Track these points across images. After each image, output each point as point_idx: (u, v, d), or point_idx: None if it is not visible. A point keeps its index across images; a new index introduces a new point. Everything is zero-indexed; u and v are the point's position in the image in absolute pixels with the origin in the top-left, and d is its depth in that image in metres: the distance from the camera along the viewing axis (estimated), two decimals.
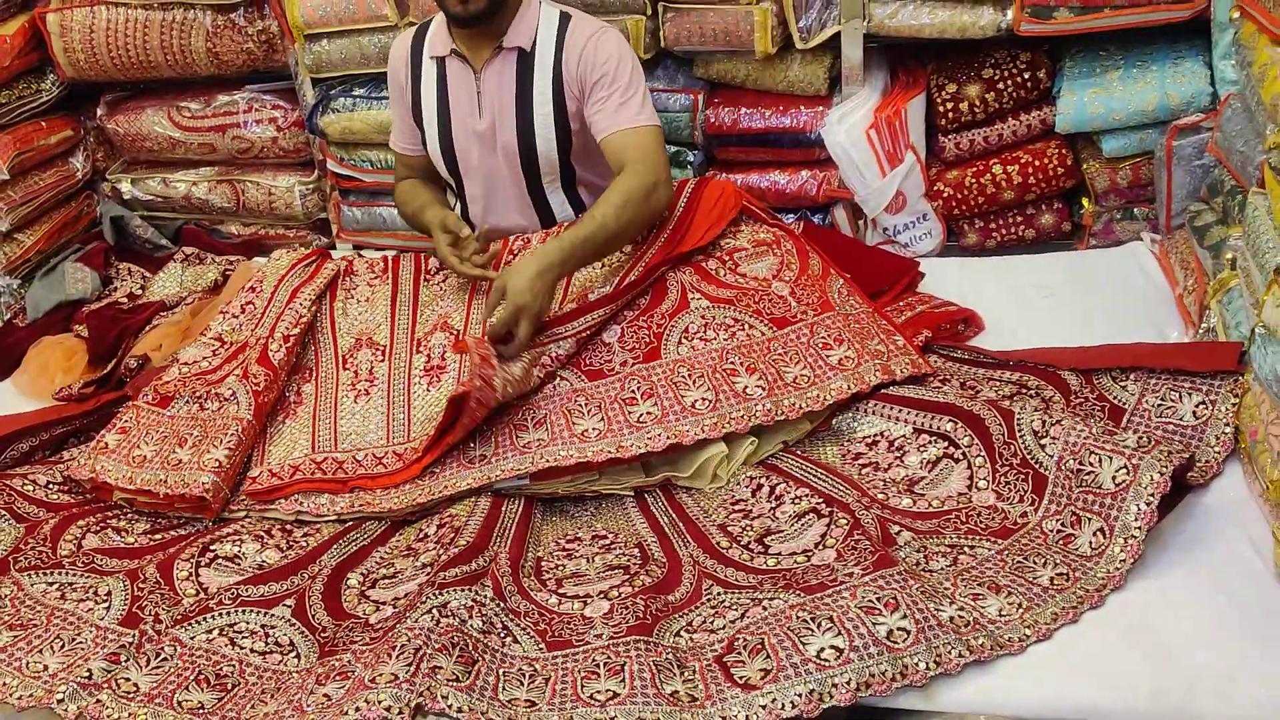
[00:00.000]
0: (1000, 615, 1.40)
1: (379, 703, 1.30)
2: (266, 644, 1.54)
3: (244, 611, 1.59)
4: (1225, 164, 2.03)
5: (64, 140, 2.84)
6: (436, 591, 1.51)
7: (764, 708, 1.31)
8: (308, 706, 1.36)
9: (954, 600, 1.42)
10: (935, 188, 2.54)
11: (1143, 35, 2.37)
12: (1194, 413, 1.69)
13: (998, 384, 1.88)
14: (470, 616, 1.47)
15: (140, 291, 2.65)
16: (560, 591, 1.60)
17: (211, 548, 1.76)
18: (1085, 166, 2.48)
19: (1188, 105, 2.28)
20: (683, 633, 1.47)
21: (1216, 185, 2.12)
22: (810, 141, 2.54)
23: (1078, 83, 2.40)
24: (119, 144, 2.93)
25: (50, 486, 1.98)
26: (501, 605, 1.52)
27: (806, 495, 1.72)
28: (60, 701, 1.43)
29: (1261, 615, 1.39)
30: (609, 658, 1.41)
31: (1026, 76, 2.43)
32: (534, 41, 2.10)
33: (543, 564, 1.68)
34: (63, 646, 1.54)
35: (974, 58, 2.47)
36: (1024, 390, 1.84)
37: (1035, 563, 1.49)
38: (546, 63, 2.10)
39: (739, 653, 1.40)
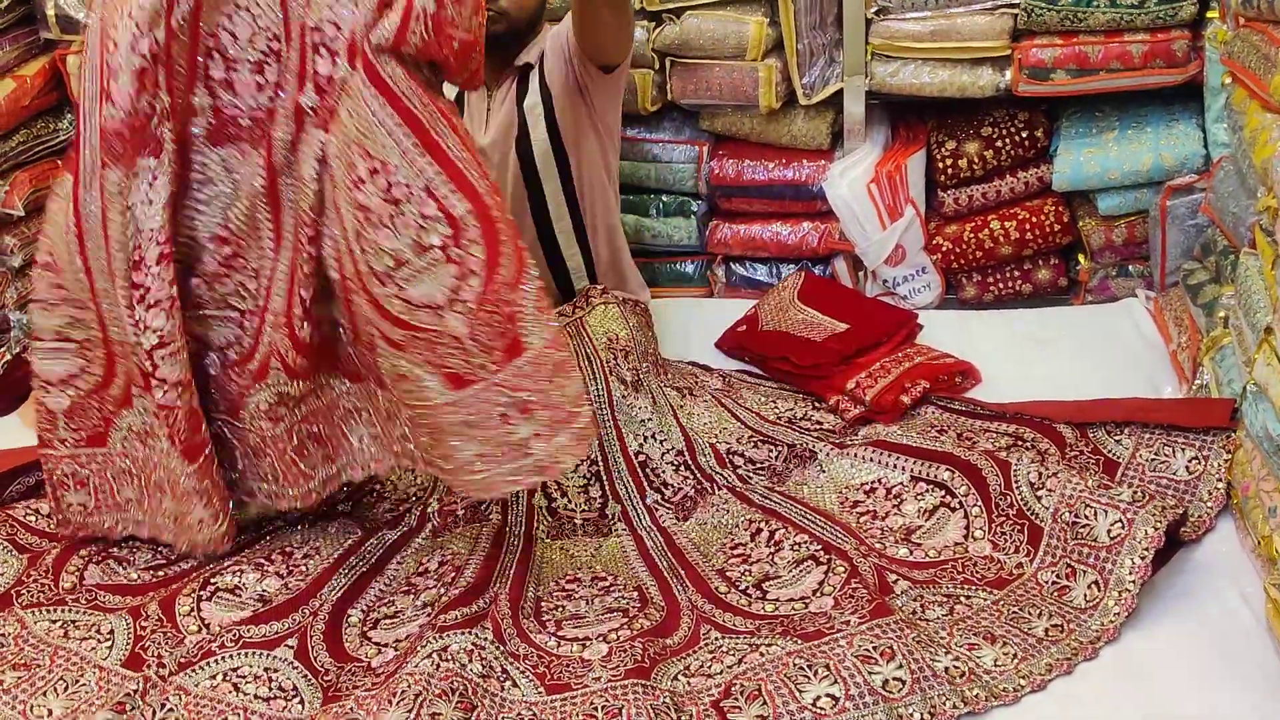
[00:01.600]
0: (995, 665, 1.42)
1: None
2: (270, 689, 1.53)
3: (247, 654, 1.58)
4: (1218, 224, 2.08)
5: None
6: (437, 635, 1.51)
7: None
8: None
9: (949, 650, 1.44)
10: (934, 241, 2.58)
11: (1138, 97, 2.42)
12: (1187, 468, 1.72)
13: (994, 435, 1.90)
14: (470, 660, 1.47)
15: None
16: (559, 634, 1.59)
17: (212, 580, 1.75)
18: (1081, 224, 2.52)
19: (1181, 166, 2.33)
20: (680, 676, 1.48)
21: (1210, 245, 2.17)
22: (812, 194, 2.58)
23: (1074, 142, 2.45)
24: None
25: (53, 517, 1.97)
26: (501, 649, 1.52)
27: (806, 541, 1.73)
28: None
29: (1252, 668, 1.41)
30: (607, 701, 1.42)
31: (1024, 135, 2.48)
32: (541, 57, 2.24)
33: (542, 604, 1.68)
34: (66, 689, 1.53)
35: (973, 116, 2.52)
36: (1020, 442, 1.86)
37: (1030, 613, 1.51)
38: (538, 71, 2.23)
39: (736, 698, 1.41)
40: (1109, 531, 1.55)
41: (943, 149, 2.53)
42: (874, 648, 1.44)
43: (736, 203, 2.68)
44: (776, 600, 1.63)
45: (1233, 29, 2.00)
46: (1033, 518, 1.65)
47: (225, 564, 1.79)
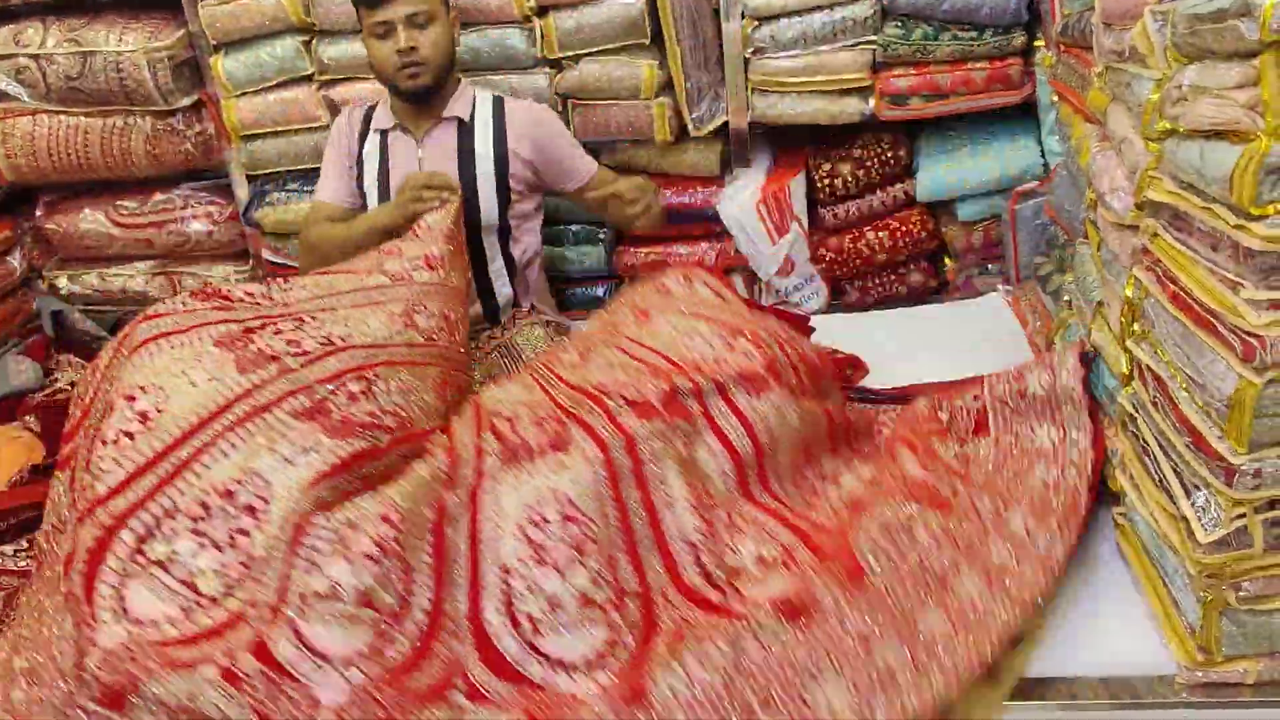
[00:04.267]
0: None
1: None
2: None
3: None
4: (1058, 222, 2.35)
5: (2, 241, 2.94)
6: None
7: None
8: None
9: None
10: (819, 253, 2.77)
11: (984, 117, 2.67)
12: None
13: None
14: None
15: None
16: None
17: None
18: (945, 230, 2.75)
19: (1024, 174, 2.58)
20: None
21: (1053, 240, 2.44)
22: (708, 216, 2.77)
23: (933, 158, 2.69)
24: (56, 242, 3.03)
25: (18, 555, 2.00)
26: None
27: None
28: None
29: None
30: None
31: (890, 155, 2.70)
32: (471, 113, 2.40)
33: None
34: None
35: (844, 140, 2.72)
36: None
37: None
38: (487, 131, 2.39)
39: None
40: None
41: (820, 170, 2.74)
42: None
43: None
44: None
45: (1056, 54, 2.25)
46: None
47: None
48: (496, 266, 2.46)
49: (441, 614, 1.44)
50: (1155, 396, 1.56)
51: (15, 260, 2.99)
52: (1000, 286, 2.67)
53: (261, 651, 1.34)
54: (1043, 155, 2.60)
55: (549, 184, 2.49)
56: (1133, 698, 1.54)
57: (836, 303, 2.87)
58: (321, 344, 1.71)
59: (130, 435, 1.51)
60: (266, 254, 2.96)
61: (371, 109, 2.49)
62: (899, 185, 2.75)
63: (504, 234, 2.45)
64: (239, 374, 1.60)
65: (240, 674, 1.32)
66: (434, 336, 1.90)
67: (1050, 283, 2.36)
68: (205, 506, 1.46)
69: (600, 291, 2.93)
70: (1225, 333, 1.33)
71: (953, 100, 2.61)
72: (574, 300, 2.93)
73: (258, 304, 1.82)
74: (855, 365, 2.39)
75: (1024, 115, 2.67)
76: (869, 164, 2.73)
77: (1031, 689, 1.55)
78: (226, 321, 1.70)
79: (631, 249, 2.89)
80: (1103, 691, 1.55)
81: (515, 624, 1.45)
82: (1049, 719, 1.55)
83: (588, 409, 1.66)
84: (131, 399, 1.56)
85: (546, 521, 1.51)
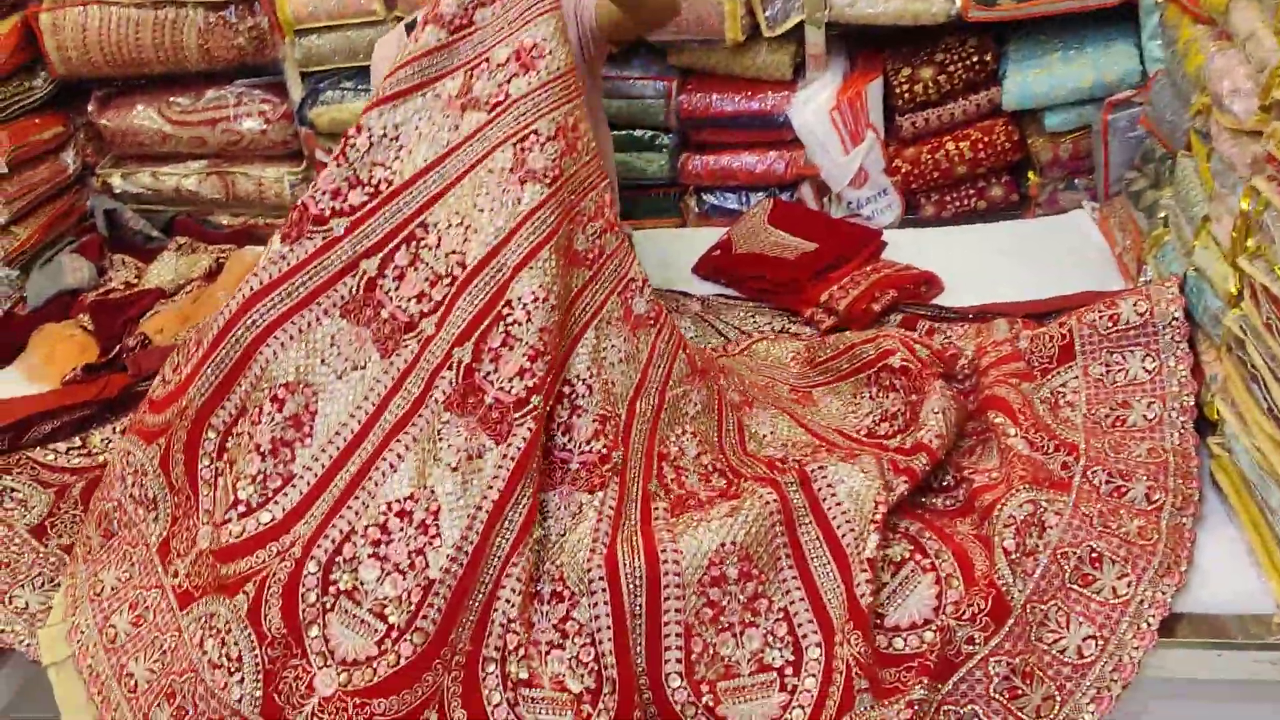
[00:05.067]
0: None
1: None
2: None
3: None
4: (1155, 134, 2.22)
5: (56, 136, 2.90)
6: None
7: None
8: None
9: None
10: (894, 164, 2.68)
11: (1078, 20, 2.53)
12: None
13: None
14: None
15: (136, 280, 2.73)
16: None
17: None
18: (1030, 141, 2.63)
19: (1120, 82, 2.44)
20: None
21: (1149, 153, 2.30)
22: (778, 123, 2.67)
23: (1021, 64, 2.55)
24: (109, 139, 3.00)
25: (70, 453, 2.02)
26: None
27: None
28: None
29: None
30: None
31: (975, 60, 2.58)
32: None
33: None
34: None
35: (927, 43, 2.61)
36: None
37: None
38: None
39: None
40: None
41: (899, 75, 2.62)
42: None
43: (706, 135, 2.76)
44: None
45: None
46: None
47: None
48: None
49: (629, 675, 1.40)
50: (1269, 318, 1.45)
51: (69, 157, 2.96)
52: (1086, 203, 2.57)
53: (474, 706, 1.36)
54: (1142, 61, 2.46)
55: (588, 37, 2.18)
56: (1224, 637, 1.45)
57: (911, 217, 2.77)
58: (448, 279, 1.56)
59: (289, 445, 1.50)
60: (320, 155, 2.89)
61: (410, 26, 2.33)
62: (983, 93, 2.63)
63: None
64: (382, 359, 1.54)
65: None
66: (556, 174, 1.59)
67: (1143, 199, 2.23)
68: (383, 528, 1.44)
69: (664, 200, 2.84)
70: None
71: (1046, 1, 2.46)
72: (635, 209, 2.83)
73: (353, 211, 1.61)
74: (930, 282, 2.32)
75: (1123, 18, 2.52)
76: (952, 69, 2.60)
77: None
78: (341, 276, 1.58)
79: (696, 156, 2.79)
80: (1189, 630, 1.47)
81: (695, 691, 1.40)
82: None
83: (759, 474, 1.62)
84: (279, 401, 1.52)
85: (726, 581, 1.45)
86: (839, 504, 1.52)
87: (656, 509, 1.54)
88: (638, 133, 2.78)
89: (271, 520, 1.48)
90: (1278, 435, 1.41)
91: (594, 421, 1.58)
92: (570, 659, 1.40)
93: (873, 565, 1.46)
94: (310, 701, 1.35)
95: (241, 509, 1.49)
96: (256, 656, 1.37)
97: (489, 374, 1.51)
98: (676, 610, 1.41)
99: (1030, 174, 2.69)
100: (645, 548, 1.45)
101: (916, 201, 2.76)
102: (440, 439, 1.49)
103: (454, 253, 1.56)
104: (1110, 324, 1.79)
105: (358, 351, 1.54)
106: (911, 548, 1.52)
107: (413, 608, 1.39)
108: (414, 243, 1.58)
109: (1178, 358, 1.72)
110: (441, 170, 1.58)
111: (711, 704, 1.38)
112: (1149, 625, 1.42)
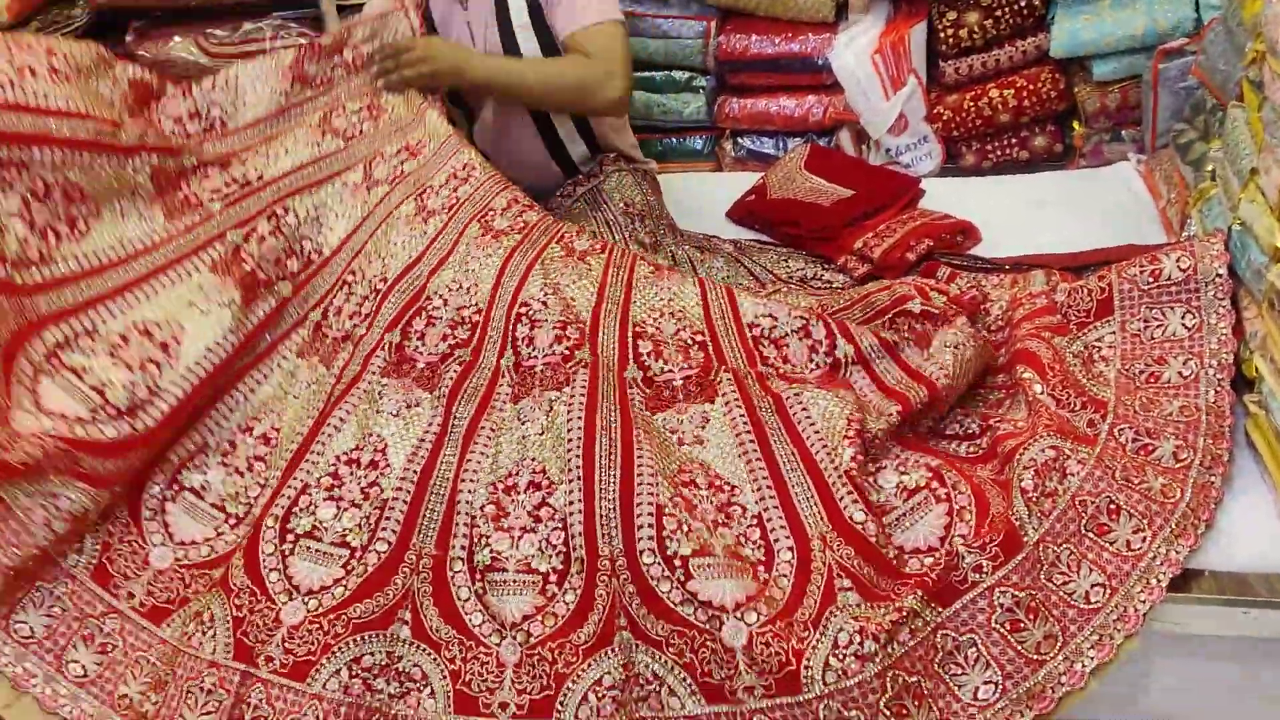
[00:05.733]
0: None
1: None
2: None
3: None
4: (1207, 84, 2.16)
5: None
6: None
7: None
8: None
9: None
10: (935, 111, 2.66)
11: None
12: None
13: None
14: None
15: None
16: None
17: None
18: (1076, 90, 2.60)
19: (1174, 30, 2.40)
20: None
21: (1199, 105, 2.25)
22: (818, 67, 2.66)
23: (1071, 9, 2.52)
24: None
25: None
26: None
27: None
28: None
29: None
30: None
31: (1023, 4, 2.55)
32: None
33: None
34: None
35: None
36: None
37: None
38: None
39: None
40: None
41: (944, 19, 2.59)
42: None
43: (744, 77, 2.75)
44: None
45: None
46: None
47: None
48: (567, 129, 2.29)
49: (595, 553, 1.45)
50: None
51: None
52: (1132, 155, 2.53)
53: (444, 601, 1.44)
54: (1196, 9, 2.42)
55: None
56: (1251, 595, 1.45)
57: (951, 165, 2.76)
58: (374, 295, 1.82)
59: (261, 459, 1.66)
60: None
61: None
62: (1030, 39, 2.60)
63: None
64: (327, 370, 1.74)
65: (429, 628, 1.42)
66: (454, 203, 1.92)
67: (1191, 151, 2.19)
68: (335, 475, 1.57)
69: (699, 144, 2.82)
70: None
71: None
72: (669, 152, 2.82)
73: (294, 275, 1.85)
74: (967, 232, 2.29)
75: None
76: (999, 13, 2.57)
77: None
78: (295, 328, 1.80)
79: (734, 100, 2.78)
80: (1214, 586, 1.46)
81: (669, 566, 1.43)
82: (1157, 613, 1.46)
83: (740, 359, 1.70)
84: (250, 430, 1.69)
85: (695, 485, 1.52)
86: (811, 423, 1.56)
87: (634, 398, 1.62)
88: (675, 74, 2.77)
89: (249, 515, 1.60)
90: None
91: (553, 329, 1.71)
92: (541, 541, 1.47)
93: (852, 479, 1.49)
94: (278, 632, 1.41)
95: (233, 521, 1.61)
96: (226, 612, 1.44)
97: (418, 347, 1.72)
98: (650, 495, 1.47)
99: (1075, 124, 2.66)
100: (623, 439, 1.53)
101: (957, 150, 2.74)
102: (380, 398, 1.66)
103: (376, 277, 1.83)
104: (1151, 279, 1.76)
105: (309, 372, 1.75)
106: (930, 476, 1.52)
107: (372, 526, 1.50)
108: (347, 287, 1.84)
109: (1219, 315, 1.69)
110: (357, 236, 1.90)
111: (683, 579, 1.41)
112: (1158, 581, 1.42)
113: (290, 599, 1.44)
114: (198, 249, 1.73)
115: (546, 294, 1.75)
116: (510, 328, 1.72)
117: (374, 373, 1.70)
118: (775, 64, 2.69)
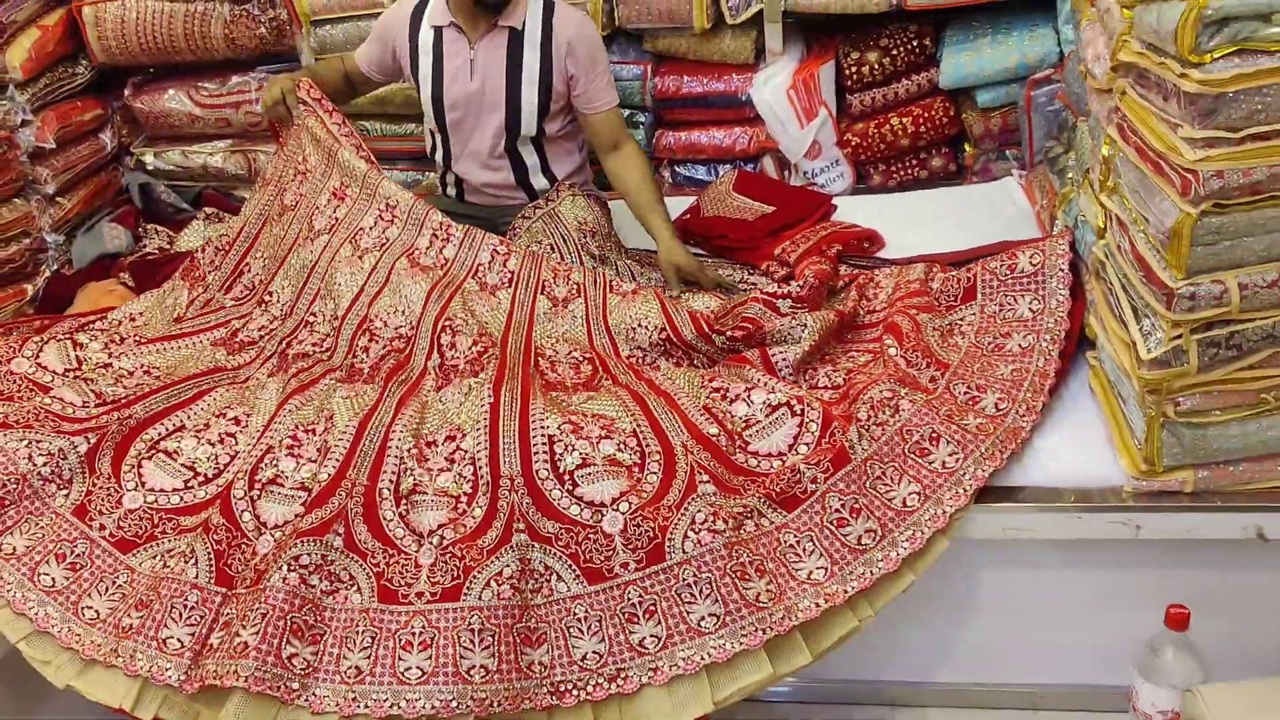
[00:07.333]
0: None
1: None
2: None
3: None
4: (1069, 105, 2.49)
5: (95, 118, 3.18)
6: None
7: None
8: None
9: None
10: (845, 138, 2.93)
11: (1006, 8, 2.81)
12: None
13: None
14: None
15: (168, 246, 3.02)
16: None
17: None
18: (965, 117, 2.89)
19: (1041, 62, 2.71)
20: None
21: (1064, 124, 2.57)
22: (741, 103, 2.94)
23: (955, 48, 2.82)
24: (143, 121, 3.27)
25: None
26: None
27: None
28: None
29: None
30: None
31: (915, 44, 2.84)
32: (524, 22, 2.46)
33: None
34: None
35: (873, 30, 2.87)
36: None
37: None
38: (535, 41, 2.45)
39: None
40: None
41: (849, 58, 2.88)
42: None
43: (678, 113, 3.03)
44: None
45: None
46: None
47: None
48: (533, 163, 2.59)
49: (498, 476, 1.78)
50: (1120, 241, 1.76)
51: (107, 137, 3.24)
52: (1015, 170, 2.82)
53: (372, 521, 1.76)
54: (1059, 43, 2.72)
55: (571, 96, 2.52)
56: (1086, 501, 1.76)
57: (861, 185, 3.03)
58: (329, 327, 2.33)
59: (232, 435, 2.00)
60: None
61: (423, 2, 2.57)
62: (923, 74, 2.89)
63: (538, 138, 2.55)
64: (288, 376, 2.19)
65: (357, 540, 1.72)
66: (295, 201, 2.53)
67: (1058, 163, 2.51)
68: (294, 438, 1.92)
69: None
70: (1169, 171, 1.52)
71: None
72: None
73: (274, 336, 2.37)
74: (872, 239, 2.59)
75: (1044, 5, 2.80)
76: (895, 53, 2.86)
77: (1000, 496, 1.78)
78: (267, 360, 2.30)
79: (670, 133, 3.07)
80: (1055, 496, 1.78)
81: (560, 480, 1.76)
82: (1015, 522, 1.78)
83: (619, 369, 2.11)
84: (223, 415, 2.03)
85: (582, 416, 1.88)
86: (673, 381, 1.97)
87: (534, 379, 2.02)
88: None
89: (220, 476, 1.92)
90: (1123, 334, 1.72)
91: (472, 338, 2.16)
92: (455, 475, 1.81)
93: (709, 410, 1.86)
94: (254, 560, 1.72)
95: (201, 479, 1.92)
96: (207, 547, 1.75)
97: (364, 359, 2.18)
98: (542, 427, 1.82)
99: (966, 146, 2.95)
100: (522, 394, 1.91)
101: (866, 171, 3.01)
102: (333, 394, 2.03)
103: (331, 315, 2.28)
104: (1009, 271, 2.10)
105: (276, 382, 2.11)
106: (791, 398, 1.86)
107: (323, 473, 1.82)
108: (309, 327, 2.31)
109: (1059, 301, 2.03)
110: (309, 285, 2.38)
111: (571, 487, 1.74)
112: (965, 491, 1.72)
113: (261, 533, 1.75)
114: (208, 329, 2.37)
115: (466, 315, 2.20)
116: (436, 336, 2.16)
117: (330, 380, 2.11)
118: (704, 101, 2.96)
